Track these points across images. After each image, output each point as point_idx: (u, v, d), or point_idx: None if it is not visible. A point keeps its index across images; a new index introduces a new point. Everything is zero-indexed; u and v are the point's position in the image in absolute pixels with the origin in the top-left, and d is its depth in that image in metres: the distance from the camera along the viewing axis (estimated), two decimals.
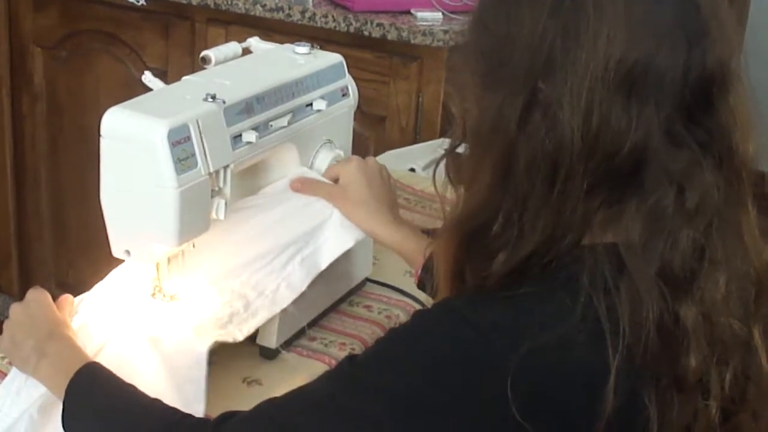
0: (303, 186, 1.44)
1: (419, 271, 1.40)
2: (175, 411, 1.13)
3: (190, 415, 1.11)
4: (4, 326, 1.28)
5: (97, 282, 1.38)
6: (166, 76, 2.58)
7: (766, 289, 0.96)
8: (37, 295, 1.30)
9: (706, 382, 0.92)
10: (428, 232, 1.68)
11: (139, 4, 2.57)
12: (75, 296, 1.50)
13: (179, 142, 1.21)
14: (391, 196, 1.48)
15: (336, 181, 1.45)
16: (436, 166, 1.03)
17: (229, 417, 1.05)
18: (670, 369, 0.90)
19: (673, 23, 0.89)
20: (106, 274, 1.36)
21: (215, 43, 2.37)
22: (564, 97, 0.88)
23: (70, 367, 1.18)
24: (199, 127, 1.23)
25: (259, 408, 1.04)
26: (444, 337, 0.91)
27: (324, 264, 1.40)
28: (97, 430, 1.16)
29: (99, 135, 1.23)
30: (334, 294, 1.52)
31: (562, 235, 0.91)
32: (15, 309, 1.28)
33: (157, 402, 1.14)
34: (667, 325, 0.89)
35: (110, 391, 1.17)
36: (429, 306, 1.04)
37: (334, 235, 1.42)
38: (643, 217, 0.90)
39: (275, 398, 1.04)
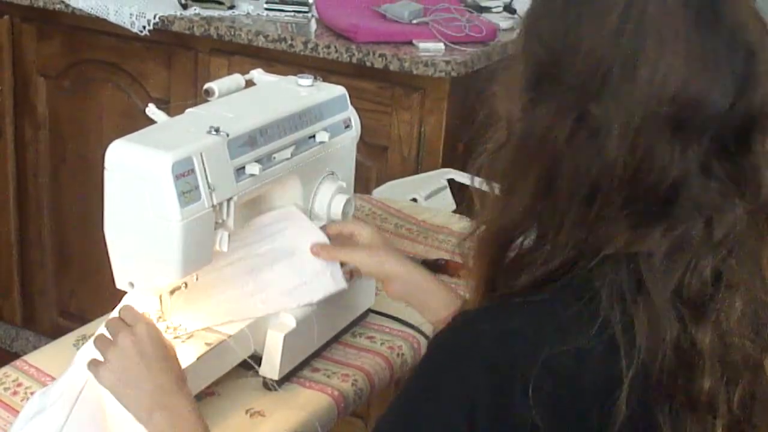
0: (323, 253, 1.42)
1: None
2: None
3: None
4: (110, 356, 1.20)
5: (99, 311, 1.38)
6: (168, 106, 2.59)
7: None
8: (150, 331, 1.22)
9: (715, 402, 0.93)
10: (432, 265, 1.68)
11: (142, 34, 2.58)
12: (77, 325, 1.50)
13: (183, 174, 1.21)
14: None
15: (340, 235, 1.45)
16: (474, 164, 1.02)
17: None
18: (685, 389, 0.91)
19: (726, 64, 0.90)
20: (108, 303, 1.35)
21: (218, 74, 2.38)
22: (614, 124, 0.89)
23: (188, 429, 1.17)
24: (202, 159, 1.24)
25: None
26: (471, 358, 0.92)
27: (305, 301, 1.41)
28: None
29: (103, 167, 1.24)
30: (337, 325, 1.53)
31: (589, 252, 0.92)
32: (124, 341, 1.20)
33: None
34: (683, 347, 0.90)
35: None
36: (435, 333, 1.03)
37: (318, 280, 1.42)
38: (669, 242, 0.91)
39: None
